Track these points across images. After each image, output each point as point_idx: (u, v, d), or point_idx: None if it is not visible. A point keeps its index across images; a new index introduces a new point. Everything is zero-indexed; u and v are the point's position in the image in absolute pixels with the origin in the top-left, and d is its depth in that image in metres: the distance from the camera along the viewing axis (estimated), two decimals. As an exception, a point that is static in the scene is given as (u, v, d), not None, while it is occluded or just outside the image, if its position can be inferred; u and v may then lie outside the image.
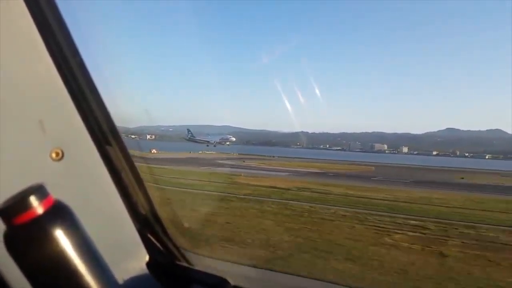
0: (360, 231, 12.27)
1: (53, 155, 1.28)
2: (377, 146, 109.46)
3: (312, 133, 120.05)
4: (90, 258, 0.96)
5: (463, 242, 11.40)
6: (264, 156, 52.72)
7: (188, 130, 71.18)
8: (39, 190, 0.90)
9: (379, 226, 12.92)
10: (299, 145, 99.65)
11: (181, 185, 19.16)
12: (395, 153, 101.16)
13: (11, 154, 1.22)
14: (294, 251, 9.45)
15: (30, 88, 1.25)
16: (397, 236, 11.76)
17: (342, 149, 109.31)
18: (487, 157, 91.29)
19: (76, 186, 1.35)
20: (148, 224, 1.62)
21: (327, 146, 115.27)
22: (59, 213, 0.93)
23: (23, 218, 0.86)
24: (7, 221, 0.87)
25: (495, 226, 13.59)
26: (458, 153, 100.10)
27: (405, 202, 18.46)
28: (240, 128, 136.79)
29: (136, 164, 1.54)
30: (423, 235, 12.07)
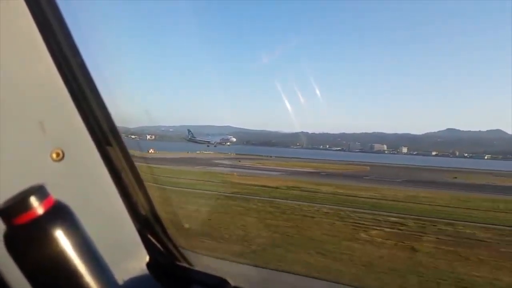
0: (339, 227, 12.58)
1: (54, 155, 1.29)
2: (377, 146, 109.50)
3: (312, 133, 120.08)
4: (90, 259, 0.96)
5: (438, 238, 11.68)
6: (262, 156, 53.04)
7: (189, 131, 70.89)
8: (40, 191, 0.91)
9: (358, 223, 13.21)
10: (298, 145, 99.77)
11: (172, 183, 19.51)
12: (394, 154, 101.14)
13: (12, 154, 1.22)
14: (268, 246, 9.77)
15: (30, 88, 1.25)
16: (373, 232, 12.06)
17: (342, 150, 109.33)
18: (486, 157, 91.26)
19: (77, 186, 1.36)
20: (148, 225, 1.62)
21: (327, 146, 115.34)
22: (59, 213, 0.94)
23: (24, 218, 0.86)
24: (7, 221, 0.87)
25: (473, 224, 13.86)
26: (457, 153, 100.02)
27: (391, 200, 18.76)
28: (240, 128, 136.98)
29: (136, 164, 1.55)
30: (399, 231, 12.37)
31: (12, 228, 0.88)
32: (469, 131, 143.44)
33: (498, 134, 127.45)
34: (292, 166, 39.67)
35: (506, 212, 16.80)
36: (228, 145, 66.62)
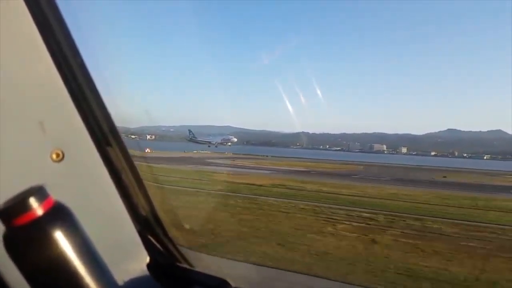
0: (309, 222, 13.08)
1: (54, 156, 1.29)
2: (376, 146, 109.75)
3: (312, 133, 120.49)
4: (90, 260, 0.96)
5: (402, 232, 12.14)
6: (258, 155, 53.52)
7: (190, 131, 70.70)
8: (39, 192, 0.91)
9: (330, 218, 13.68)
10: (298, 145, 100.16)
11: (160, 181, 20.03)
12: (394, 154, 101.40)
13: (12, 155, 1.22)
14: (233, 239, 10.26)
15: (30, 88, 1.25)
16: (341, 226, 12.54)
17: (342, 150, 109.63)
18: (485, 157, 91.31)
19: (76, 187, 1.36)
20: (148, 225, 1.63)
21: (327, 146, 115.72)
22: (59, 214, 0.94)
23: (23, 219, 0.87)
24: (7, 222, 0.87)
25: (444, 219, 14.29)
26: (456, 153, 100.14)
27: (371, 197, 19.21)
28: (241, 128, 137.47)
29: (136, 164, 1.55)
30: (367, 226, 12.84)
31: (11, 229, 0.88)
32: (470, 131, 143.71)
33: (498, 134, 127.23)
34: (286, 165, 40.12)
35: (482, 209, 17.20)
36: (229, 145, 66.93)
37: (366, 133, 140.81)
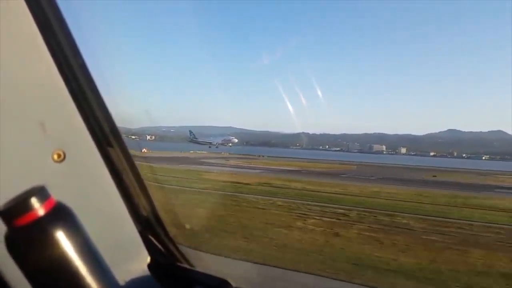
0: (281, 217, 13.60)
1: (55, 156, 1.29)
2: (376, 147, 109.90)
3: (313, 134, 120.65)
4: (91, 260, 0.97)
5: (369, 227, 12.66)
6: (254, 155, 53.99)
7: (190, 132, 70.88)
8: (41, 192, 0.92)
9: (303, 214, 14.22)
10: (298, 146, 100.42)
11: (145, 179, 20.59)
12: (393, 154, 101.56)
13: (13, 155, 1.23)
14: (200, 232, 10.78)
15: (31, 88, 1.25)
16: (311, 221, 13.07)
17: (341, 150, 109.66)
18: (484, 158, 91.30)
19: (78, 187, 1.37)
20: (149, 225, 1.64)
21: (326, 147, 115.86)
22: (60, 214, 0.94)
23: (24, 219, 0.87)
24: (8, 223, 0.88)
25: (414, 215, 14.78)
26: (455, 154, 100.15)
27: (352, 195, 19.68)
28: (241, 129, 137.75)
29: (137, 164, 1.56)
30: (337, 221, 13.37)
31: (13, 230, 0.88)
32: (470, 131, 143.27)
33: (499, 135, 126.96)
34: (279, 165, 40.58)
35: (458, 206, 17.63)
36: (230, 145, 67.20)
37: (367, 134, 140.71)
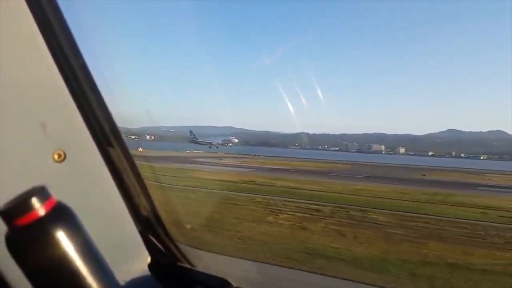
0: (255, 212, 14.08)
1: (55, 156, 1.29)
2: (375, 147, 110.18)
3: (312, 134, 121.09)
4: (92, 260, 0.97)
5: (338, 221, 13.12)
6: (249, 155, 54.46)
7: (191, 132, 70.96)
8: (41, 192, 0.92)
9: (277, 209, 14.68)
10: (297, 145, 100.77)
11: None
12: (391, 154, 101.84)
13: (13, 155, 1.23)
14: (167, 224, 11.28)
15: (31, 88, 1.26)
16: (283, 216, 13.54)
17: (340, 150, 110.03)
18: (482, 158, 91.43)
19: (78, 187, 1.37)
20: (149, 225, 1.64)
21: (326, 147, 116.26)
22: (61, 214, 0.95)
23: (25, 219, 0.87)
24: (8, 223, 0.88)
25: (386, 211, 15.18)
26: (454, 154, 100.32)
27: (333, 192, 20.10)
28: (242, 129, 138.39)
29: (137, 164, 1.56)
30: (308, 216, 13.83)
31: (13, 229, 0.88)
32: (470, 131, 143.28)
33: (499, 135, 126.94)
34: (272, 164, 40.98)
35: (434, 203, 18.02)
36: (230, 146, 67.73)
37: (366, 134, 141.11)
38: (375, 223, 13.20)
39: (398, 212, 15.07)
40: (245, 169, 32.48)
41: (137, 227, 1.57)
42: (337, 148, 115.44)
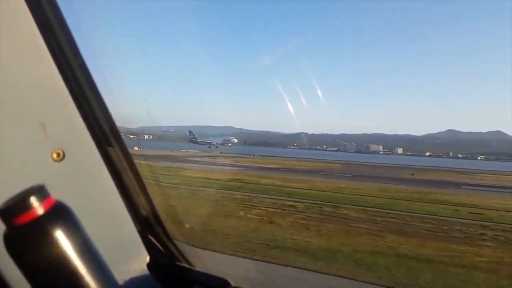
0: (229, 208, 14.56)
1: (54, 155, 1.29)
2: (373, 147, 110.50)
3: (312, 134, 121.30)
4: (91, 259, 0.97)
5: (308, 216, 13.60)
6: (245, 155, 54.95)
7: (190, 132, 71.45)
8: (40, 191, 0.92)
9: (252, 205, 15.15)
10: (296, 145, 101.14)
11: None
12: (389, 154, 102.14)
13: (12, 154, 1.23)
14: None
15: (31, 88, 1.26)
16: (255, 211, 14.02)
17: (338, 150, 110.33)
18: (479, 158, 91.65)
19: (77, 186, 1.37)
20: (148, 225, 1.64)
21: (324, 147, 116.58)
22: (60, 214, 0.95)
23: (24, 218, 0.87)
24: (7, 222, 0.88)
25: (359, 207, 15.65)
26: (451, 154, 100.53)
27: (315, 190, 20.54)
28: (241, 129, 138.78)
29: (137, 163, 1.56)
30: (281, 211, 14.31)
31: (12, 228, 0.88)
32: (469, 132, 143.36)
33: (498, 135, 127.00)
34: (265, 163, 41.37)
35: (410, 200, 18.45)
36: (230, 146, 68.00)
37: (366, 134, 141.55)
38: (344, 218, 13.65)
39: (371, 208, 15.51)
40: (236, 168, 33.04)
41: (136, 227, 1.57)
42: (335, 149, 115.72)
